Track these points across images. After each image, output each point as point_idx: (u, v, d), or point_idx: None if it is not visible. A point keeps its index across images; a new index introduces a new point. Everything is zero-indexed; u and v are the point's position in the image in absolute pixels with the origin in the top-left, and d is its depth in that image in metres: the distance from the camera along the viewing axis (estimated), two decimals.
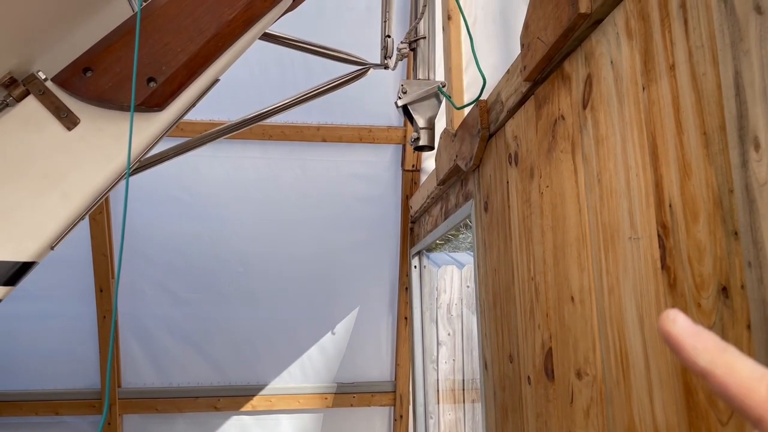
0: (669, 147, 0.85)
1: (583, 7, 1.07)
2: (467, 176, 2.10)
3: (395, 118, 3.44)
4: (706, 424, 0.76)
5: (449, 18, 2.63)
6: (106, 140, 1.17)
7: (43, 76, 1.17)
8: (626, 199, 0.97)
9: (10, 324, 3.31)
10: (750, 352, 0.69)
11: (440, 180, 2.35)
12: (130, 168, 1.17)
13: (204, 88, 1.27)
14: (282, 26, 1.56)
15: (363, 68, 1.97)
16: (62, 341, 3.39)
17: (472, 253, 2.09)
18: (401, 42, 1.94)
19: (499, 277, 1.68)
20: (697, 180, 0.79)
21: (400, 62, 1.98)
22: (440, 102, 1.90)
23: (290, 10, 1.40)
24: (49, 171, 1.14)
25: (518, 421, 1.52)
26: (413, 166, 3.48)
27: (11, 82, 1.14)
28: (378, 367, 3.68)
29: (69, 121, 1.16)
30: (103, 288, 3.31)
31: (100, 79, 1.17)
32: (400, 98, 1.86)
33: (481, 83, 1.75)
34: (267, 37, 1.73)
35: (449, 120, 2.54)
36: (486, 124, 1.76)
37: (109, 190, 1.20)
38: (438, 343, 3.35)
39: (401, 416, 3.62)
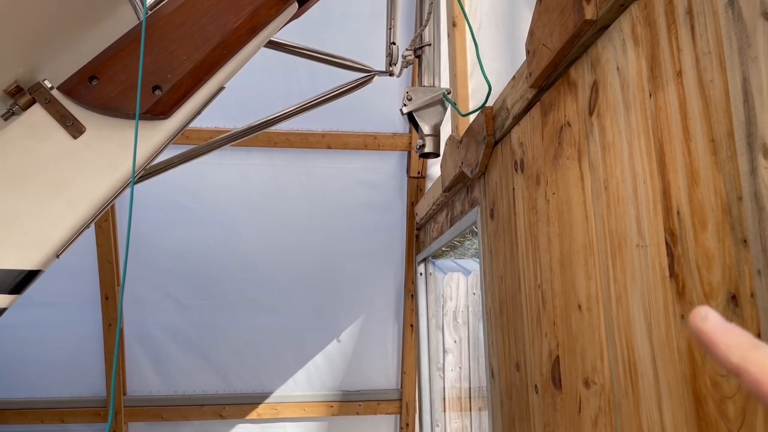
0: (676, 154, 0.85)
1: (589, 13, 1.06)
2: (473, 183, 2.10)
3: (400, 125, 3.44)
4: None
5: (454, 24, 2.63)
6: (111, 148, 1.18)
7: (49, 85, 1.18)
8: (633, 206, 0.97)
9: (16, 332, 3.31)
10: None
11: (446, 187, 2.35)
12: (135, 176, 1.17)
13: (209, 95, 1.27)
14: (287, 34, 1.56)
15: (368, 75, 1.97)
16: (68, 349, 3.40)
17: (478, 260, 2.08)
18: (406, 49, 1.94)
19: (506, 285, 1.67)
20: (705, 187, 0.78)
21: (405, 69, 1.98)
22: (445, 109, 1.90)
23: (295, 18, 1.40)
24: (54, 179, 1.14)
25: (525, 430, 1.50)
26: (418, 172, 3.47)
27: (17, 91, 1.15)
28: (384, 375, 3.66)
29: (75, 129, 1.16)
30: (109, 296, 3.32)
31: (105, 88, 1.17)
32: (405, 105, 1.86)
33: (487, 89, 1.75)
34: (272, 44, 1.73)
35: (455, 126, 2.53)
36: (491, 131, 1.76)
37: (115, 198, 1.20)
38: (444, 351, 3.34)
39: (407, 424, 3.60)
